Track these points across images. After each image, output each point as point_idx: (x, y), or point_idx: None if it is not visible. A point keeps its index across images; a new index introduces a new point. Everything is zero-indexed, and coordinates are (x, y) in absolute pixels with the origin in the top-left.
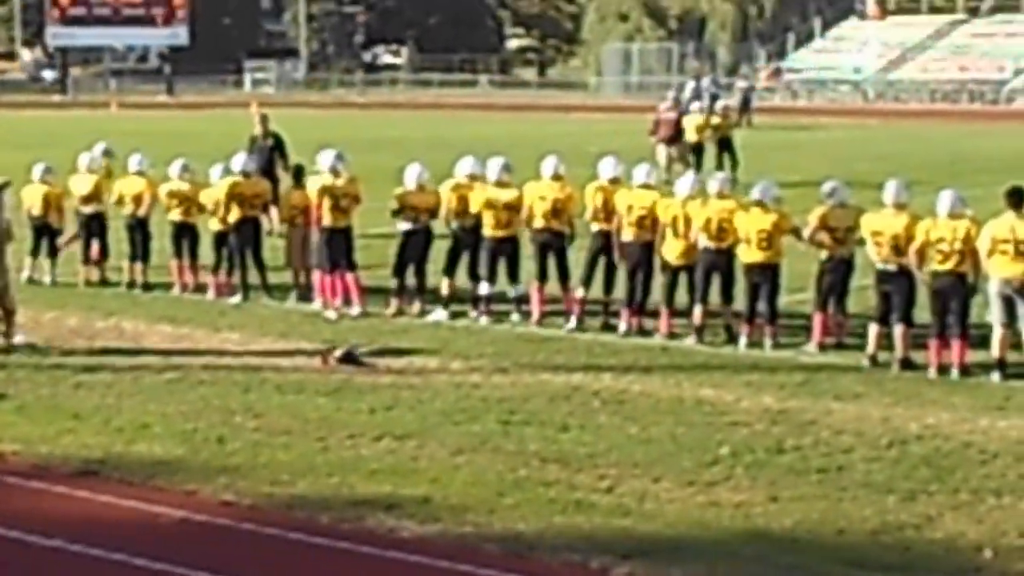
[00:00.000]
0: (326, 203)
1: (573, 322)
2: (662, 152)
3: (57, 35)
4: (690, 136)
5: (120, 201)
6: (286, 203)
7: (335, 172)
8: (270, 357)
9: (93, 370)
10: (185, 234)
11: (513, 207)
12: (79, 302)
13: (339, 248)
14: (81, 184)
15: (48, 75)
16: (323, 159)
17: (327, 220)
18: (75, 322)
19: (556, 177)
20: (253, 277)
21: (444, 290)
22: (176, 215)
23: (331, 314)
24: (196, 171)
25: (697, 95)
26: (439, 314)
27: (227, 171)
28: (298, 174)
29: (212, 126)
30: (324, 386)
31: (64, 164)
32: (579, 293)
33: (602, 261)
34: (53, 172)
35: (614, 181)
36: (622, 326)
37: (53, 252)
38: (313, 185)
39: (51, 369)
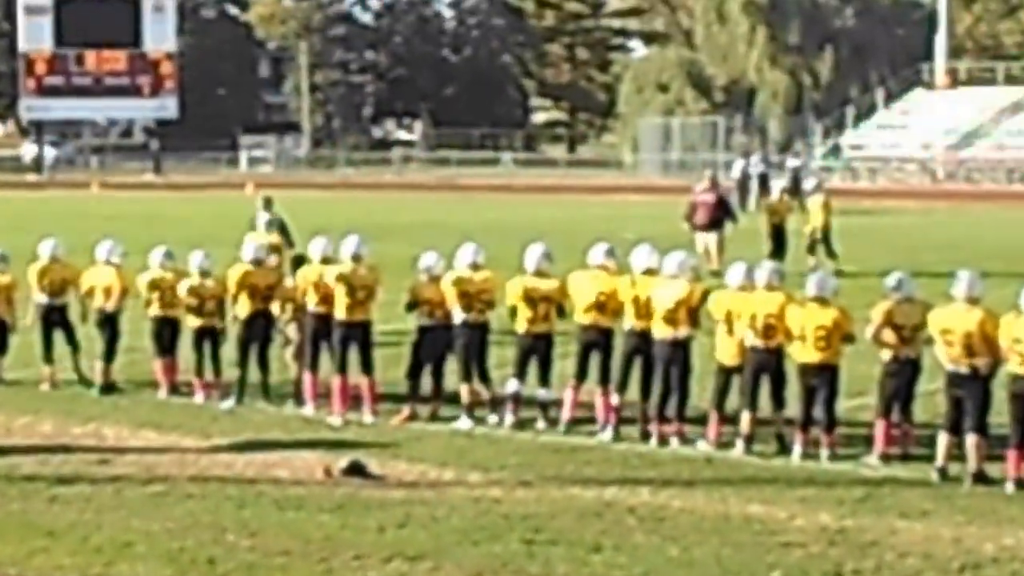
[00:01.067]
0: (341, 293)
1: (609, 432)
2: (700, 240)
3: (32, 107)
4: (767, 219)
5: (90, 293)
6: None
7: (357, 259)
8: (267, 468)
9: (69, 481)
10: (167, 330)
11: (552, 300)
12: (54, 406)
13: (354, 347)
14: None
15: (49, 153)
16: (346, 245)
17: (341, 313)
18: (50, 428)
19: (603, 267)
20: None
21: (465, 397)
22: (156, 309)
23: (336, 420)
24: (181, 259)
25: (745, 175)
26: (464, 423)
27: (236, 259)
28: (298, 265)
29: (203, 209)
30: (327, 501)
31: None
32: (614, 400)
33: (638, 363)
34: (6, 260)
35: (649, 273)
36: (653, 439)
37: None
38: (331, 273)
39: (22, 481)
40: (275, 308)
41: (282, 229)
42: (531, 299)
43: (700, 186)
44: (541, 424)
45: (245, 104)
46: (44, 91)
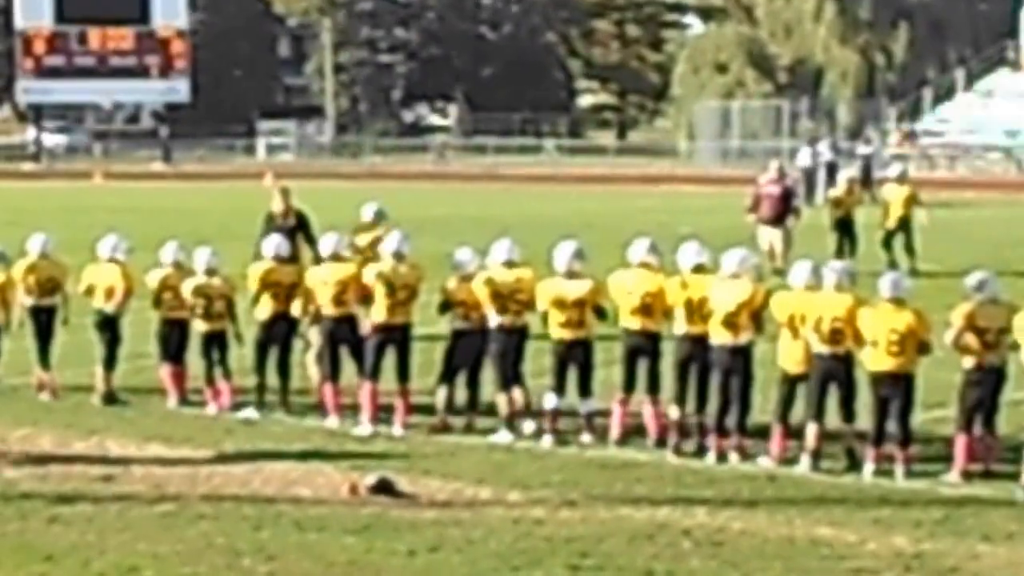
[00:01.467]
0: (380, 294)
1: (671, 449)
2: (764, 235)
3: (30, 90)
4: (830, 213)
5: (89, 292)
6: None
7: (399, 257)
8: (287, 486)
9: (70, 500)
10: (175, 333)
11: (586, 302)
12: (54, 417)
13: (392, 351)
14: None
15: (59, 140)
16: (388, 241)
17: (380, 315)
18: (49, 442)
19: (645, 265)
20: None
21: (503, 408)
22: (166, 310)
23: (364, 430)
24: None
25: (813, 164)
26: (503, 436)
27: (256, 256)
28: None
29: (217, 202)
30: (352, 522)
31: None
32: (673, 414)
33: (694, 371)
34: (4, 259)
35: (699, 270)
36: (710, 454)
37: None
38: (369, 272)
39: (19, 499)
40: (296, 309)
41: (302, 224)
42: (562, 303)
43: (766, 177)
44: (586, 438)
45: (263, 86)
46: (43, 72)
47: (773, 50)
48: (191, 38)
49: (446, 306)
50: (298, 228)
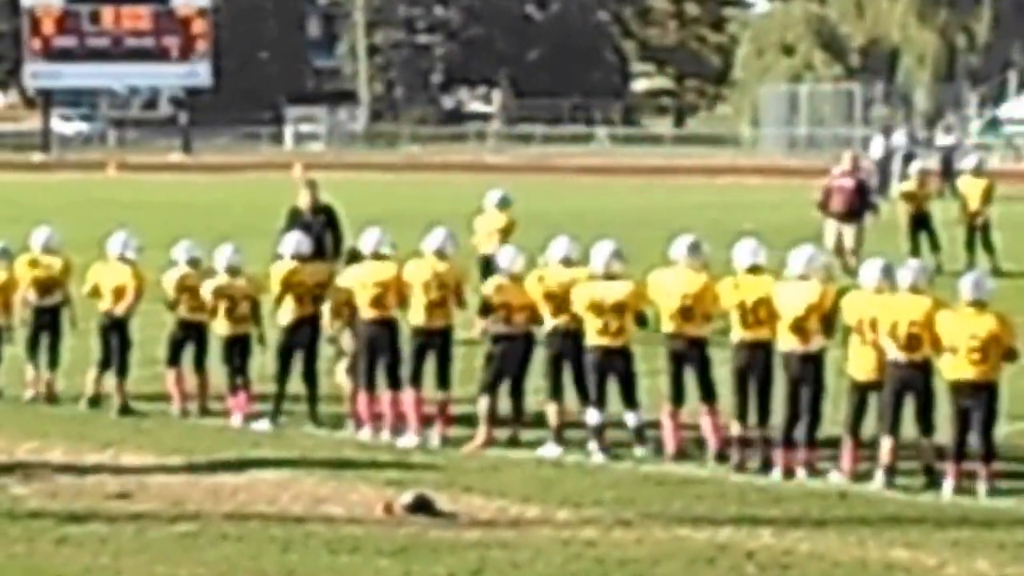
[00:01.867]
0: (418, 295)
1: (733, 467)
2: (831, 230)
3: (38, 74)
4: (903, 208)
5: (95, 293)
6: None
7: (441, 256)
8: (317, 504)
9: (82, 519)
10: (191, 336)
11: (626, 307)
12: (65, 428)
13: (432, 357)
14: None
15: (79, 128)
16: (431, 239)
17: (418, 318)
18: (60, 455)
19: (692, 265)
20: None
21: (552, 419)
22: (183, 311)
23: (409, 441)
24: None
25: (887, 154)
26: (551, 450)
27: (277, 256)
28: (352, 261)
29: (241, 195)
30: (388, 543)
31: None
32: (735, 429)
33: (753, 381)
34: (8, 255)
35: (754, 270)
36: (776, 470)
37: None
38: (411, 271)
39: (27, 518)
40: (325, 313)
41: (330, 220)
42: (599, 307)
43: (838, 168)
44: (640, 451)
45: (291, 70)
46: (52, 54)
47: (844, 30)
48: (213, 17)
49: (486, 309)
50: (326, 225)
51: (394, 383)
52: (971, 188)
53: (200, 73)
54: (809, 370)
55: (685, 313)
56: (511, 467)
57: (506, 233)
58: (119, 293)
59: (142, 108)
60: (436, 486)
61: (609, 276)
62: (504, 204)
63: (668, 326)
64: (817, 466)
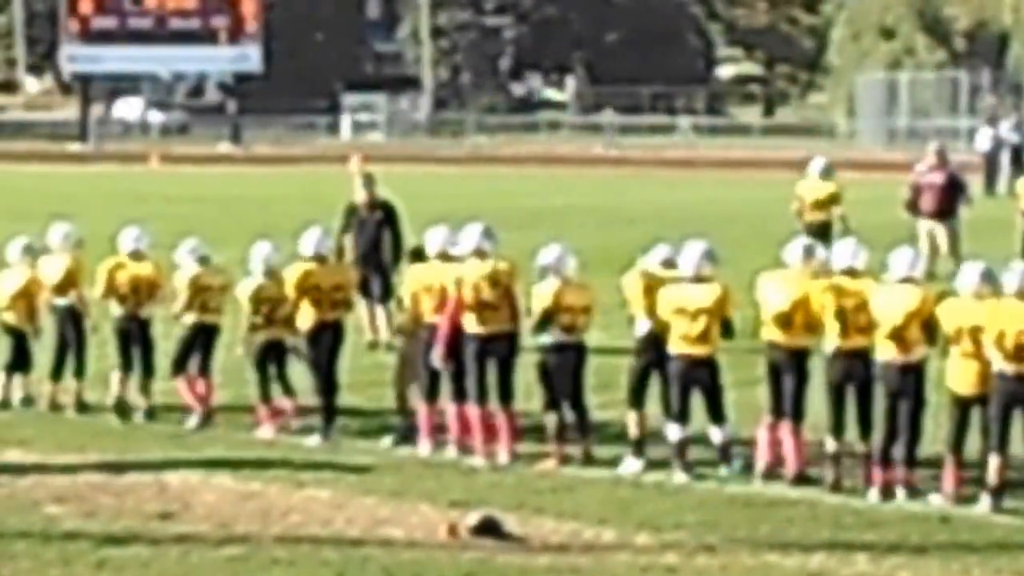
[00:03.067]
0: (468, 300)
1: (828, 486)
2: (924, 230)
3: (75, 57)
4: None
5: (110, 294)
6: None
7: (481, 255)
8: (376, 525)
9: (122, 541)
10: (201, 340)
11: (712, 313)
12: (103, 442)
13: (493, 366)
14: (51, 268)
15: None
16: (467, 236)
17: (472, 325)
18: (97, 472)
19: (808, 268)
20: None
21: (632, 429)
22: (196, 314)
23: (477, 461)
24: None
25: (995, 146)
26: (631, 465)
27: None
28: (416, 260)
29: (295, 189)
30: (452, 569)
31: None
32: (830, 445)
33: (851, 394)
34: (32, 252)
35: (850, 273)
36: (872, 491)
37: (20, 364)
38: (455, 272)
39: (62, 539)
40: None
41: (388, 216)
42: (684, 312)
43: (923, 164)
44: (726, 470)
45: (349, 54)
46: (91, 37)
47: (949, 12)
48: None
49: (547, 318)
50: (384, 222)
51: (460, 395)
52: None
53: (251, 57)
54: (909, 382)
55: (784, 321)
56: (586, 487)
57: (832, 202)
58: (138, 292)
59: (188, 95)
60: (504, 507)
61: (699, 279)
62: (828, 173)
63: (768, 334)
64: (917, 487)
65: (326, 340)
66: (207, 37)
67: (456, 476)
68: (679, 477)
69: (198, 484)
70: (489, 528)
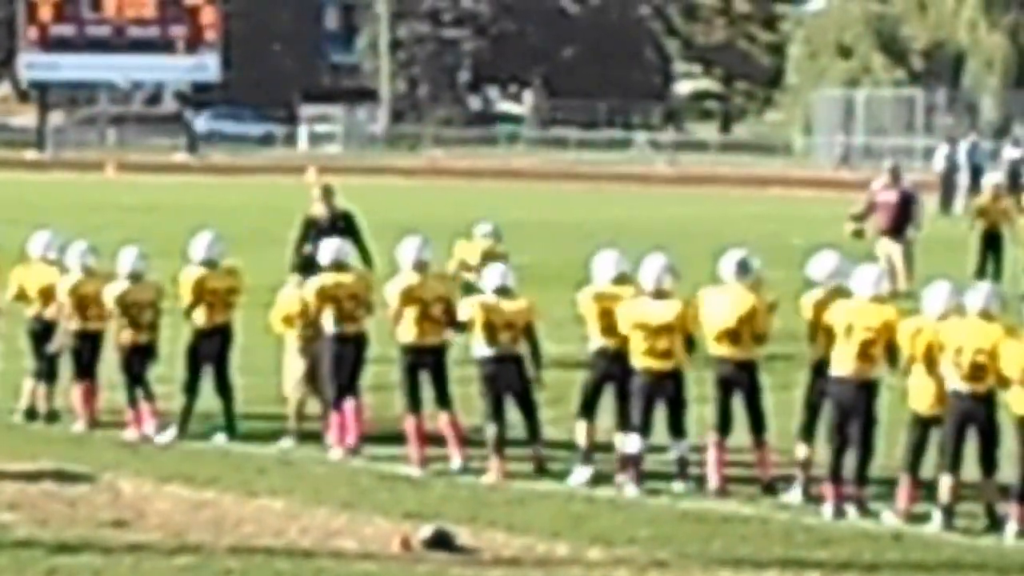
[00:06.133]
0: (411, 313)
1: (796, 493)
2: (880, 249)
3: (33, 65)
4: (974, 224)
5: (22, 297)
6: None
7: (421, 268)
8: (328, 537)
9: (75, 550)
10: (139, 353)
11: (675, 328)
12: (56, 450)
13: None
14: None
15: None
16: (407, 249)
17: (409, 336)
18: (50, 480)
19: (744, 281)
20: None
21: (581, 439)
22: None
23: (414, 471)
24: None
25: (951, 167)
26: (581, 473)
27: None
28: (309, 268)
29: (251, 200)
30: None
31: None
32: (800, 453)
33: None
34: None
35: (837, 293)
36: (827, 506)
37: None
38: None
39: (14, 547)
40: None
41: (349, 227)
42: (646, 327)
43: (879, 182)
44: (679, 486)
45: (307, 65)
46: (49, 44)
47: (906, 31)
48: (224, 6)
49: (463, 327)
50: (344, 233)
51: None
52: None
53: (208, 67)
54: (862, 399)
55: (734, 337)
56: (538, 500)
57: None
58: (47, 296)
59: (145, 104)
60: (457, 520)
61: (659, 294)
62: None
63: (716, 349)
64: (868, 504)
65: (215, 342)
66: (165, 46)
67: (409, 488)
68: (630, 490)
69: (151, 492)
70: (442, 541)
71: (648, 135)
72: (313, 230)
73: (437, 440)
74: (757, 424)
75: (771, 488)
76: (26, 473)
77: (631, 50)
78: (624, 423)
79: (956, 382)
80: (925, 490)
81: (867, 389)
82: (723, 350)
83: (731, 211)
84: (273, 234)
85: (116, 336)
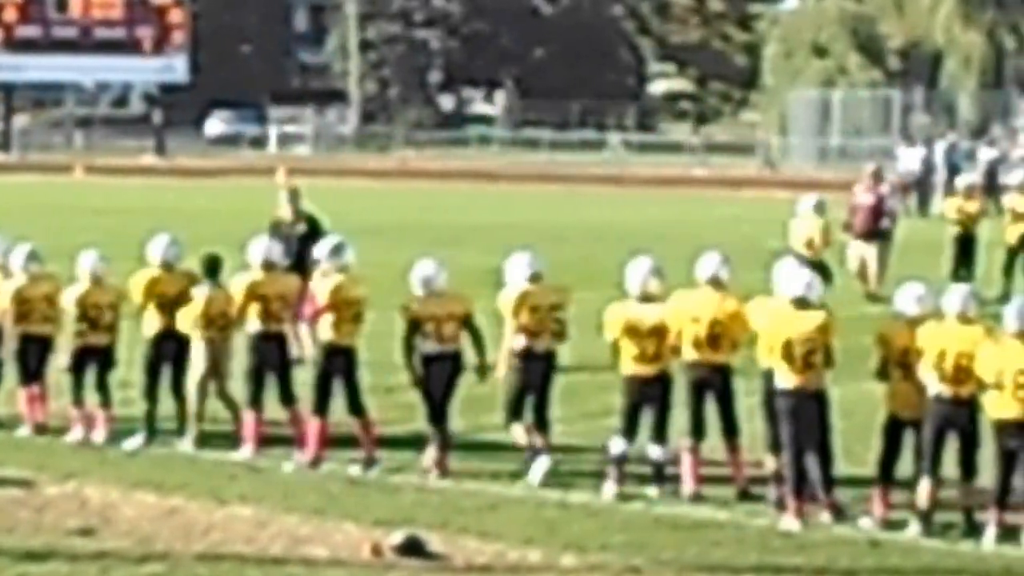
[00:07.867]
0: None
1: (774, 503)
2: (854, 252)
3: None
4: (949, 226)
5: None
6: None
7: (344, 270)
8: (298, 543)
9: (42, 557)
10: (93, 358)
11: (664, 331)
12: (22, 457)
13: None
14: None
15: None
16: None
17: (328, 334)
18: (16, 487)
19: (716, 285)
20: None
21: (521, 439)
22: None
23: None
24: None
25: (927, 168)
26: (539, 466)
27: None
28: (212, 270)
29: (219, 202)
30: None
31: None
32: (769, 463)
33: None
34: None
35: (803, 304)
36: (787, 518)
37: None
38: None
39: None
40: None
41: (313, 230)
42: (636, 331)
43: (860, 185)
44: (654, 491)
45: (275, 66)
46: (15, 45)
47: (882, 30)
48: (191, 7)
49: (413, 327)
50: (308, 236)
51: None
52: (1017, 206)
53: (176, 68)
54: (815, 404)
55: (712, 340)
56: (511, 506)
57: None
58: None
59: (112, 105)
60: (429, 526)
61: (646, 297)
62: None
63: (691, 353)
64: (843, 509)
65: (171, 346)
66: (132, 47)
67: (380, 494)
68: (609, 489)
69: (118, 499)
70: (413, 548)
71: (622, 136)
72: (278, 233)
73: (411, 443)
74: (730, 428)
75: (746, 493)
76: None
77: (604, 50)
78: (659, 435)
79: (937, 386)
80: (901, 495)
81: (817, 398)
82: (696, 354)
83: (705, 214)
84: (241, 237)
85: (70, 338)
